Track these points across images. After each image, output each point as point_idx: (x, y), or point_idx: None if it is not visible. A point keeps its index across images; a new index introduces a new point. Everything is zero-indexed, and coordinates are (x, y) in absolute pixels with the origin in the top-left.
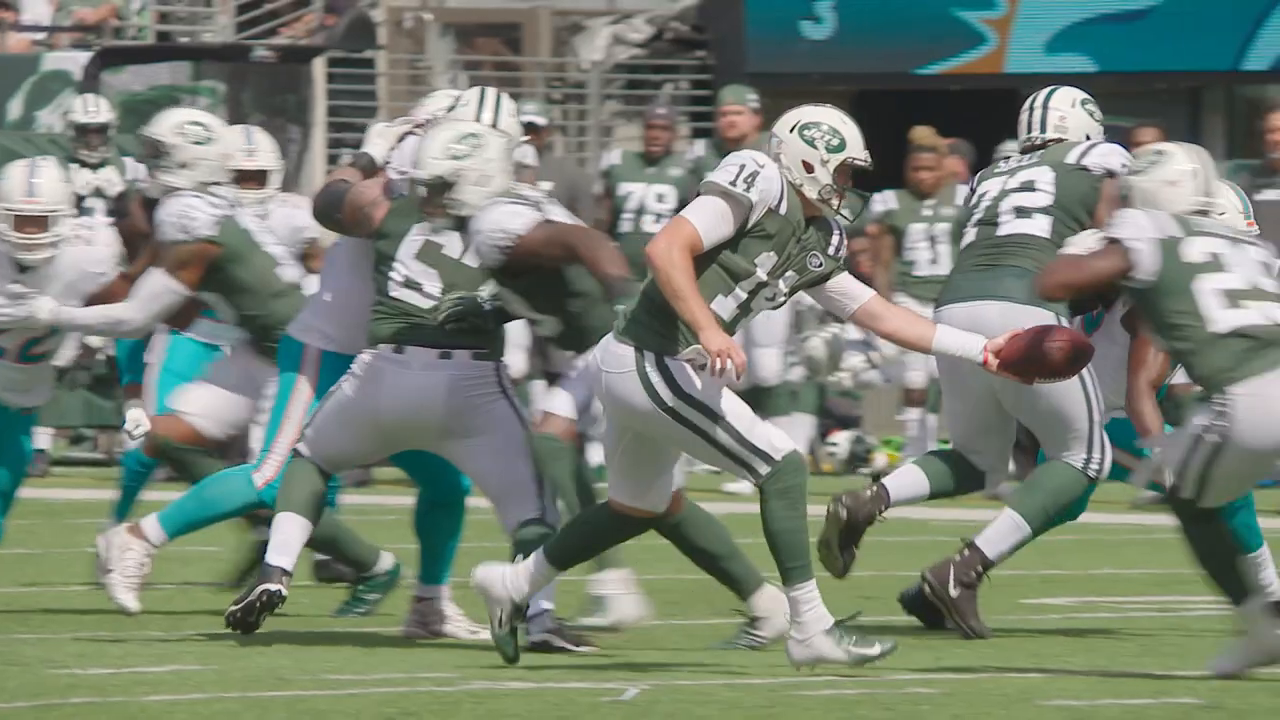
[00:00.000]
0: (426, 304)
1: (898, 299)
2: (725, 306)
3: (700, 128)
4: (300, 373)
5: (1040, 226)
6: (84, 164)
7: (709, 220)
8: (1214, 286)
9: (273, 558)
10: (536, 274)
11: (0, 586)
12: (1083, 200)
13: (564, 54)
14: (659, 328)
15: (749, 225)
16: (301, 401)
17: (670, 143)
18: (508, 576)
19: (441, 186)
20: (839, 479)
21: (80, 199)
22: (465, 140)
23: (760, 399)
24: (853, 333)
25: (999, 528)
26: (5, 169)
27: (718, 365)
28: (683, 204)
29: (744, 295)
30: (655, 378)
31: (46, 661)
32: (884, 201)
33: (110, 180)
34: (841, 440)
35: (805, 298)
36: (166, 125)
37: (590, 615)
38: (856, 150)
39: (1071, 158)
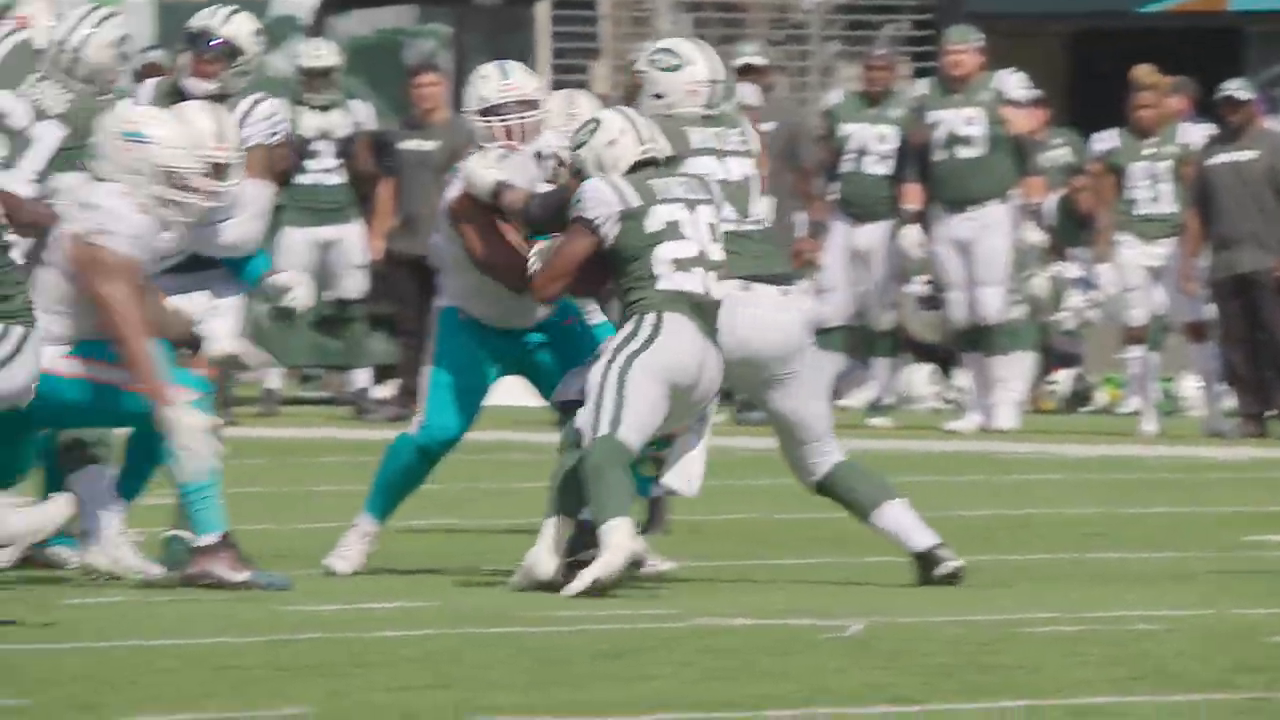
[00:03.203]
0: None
1: (1120, 238)
2: None
3: (921, 67)
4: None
5: None
6: (311, 107)
7: None
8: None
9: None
10: None
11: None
12: None
13: None
14: None
15: None
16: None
17: (891, 83)
18: None
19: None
20: (1060, 416)
21: (307, 142)
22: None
23: (982, 337)
24: (1074, 271)
25: None
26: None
27: None
28: (904, 144)
29: None
30: None
31: (277, 598)
32: (1106, 140)
33: (337, 123)
34: (1062, 378)
35: (1029, 234)
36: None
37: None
38: None
39: None
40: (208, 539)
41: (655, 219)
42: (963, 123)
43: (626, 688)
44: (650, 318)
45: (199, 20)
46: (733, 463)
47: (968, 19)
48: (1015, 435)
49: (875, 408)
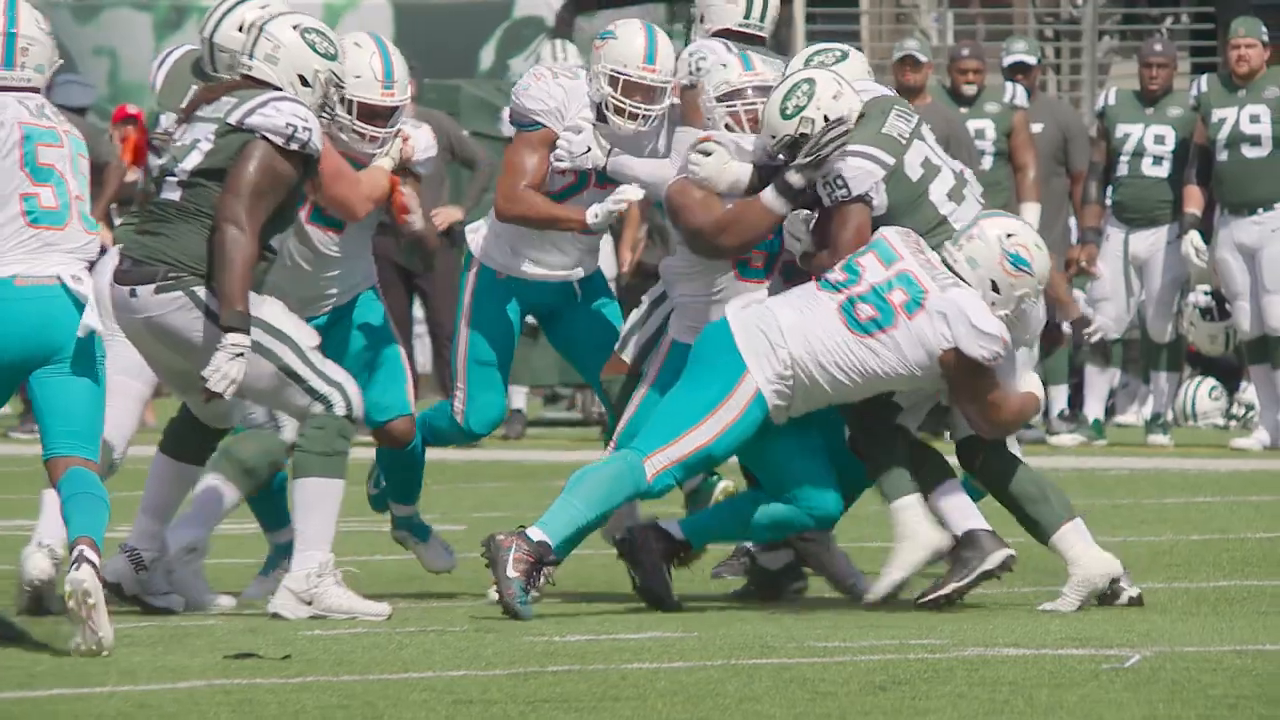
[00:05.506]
0: None
1: None
2: None
3: (1200, 63)
4: None
5: None
6: None
7: None
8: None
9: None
10: None
11: (473, 551)
12: None
13: None
14: None
15: None
16: None
17: (1169, 80)
18: None
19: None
20: None
21: None
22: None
23: (1270, 349)
24: None
25: None
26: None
27: None
28: (1183, 145)
29: None
30: None
31: (524, 629)
32: None
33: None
34: None
35: None
36: None
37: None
38: None
39: None
40: (539, 534)
41: (913, 166)
42: (1248, 121)
43: None
44: None
45: None
46: None
47: (1254, 11)
48: None
49: (1155, 424)
